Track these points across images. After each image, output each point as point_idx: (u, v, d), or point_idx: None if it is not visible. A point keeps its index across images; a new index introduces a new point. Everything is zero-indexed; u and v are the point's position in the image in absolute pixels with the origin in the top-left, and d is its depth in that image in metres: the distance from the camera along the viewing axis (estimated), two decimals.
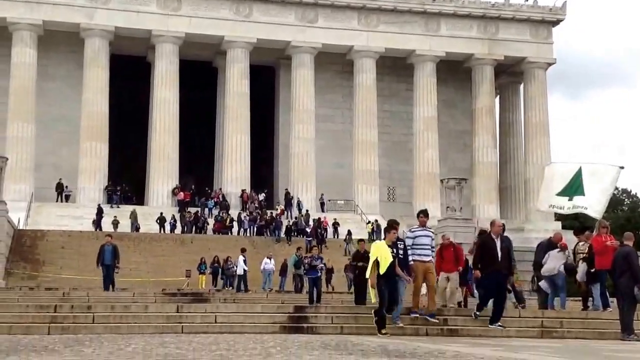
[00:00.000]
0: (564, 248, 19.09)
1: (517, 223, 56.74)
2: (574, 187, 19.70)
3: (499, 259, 15.49)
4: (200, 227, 48.74)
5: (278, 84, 61.84)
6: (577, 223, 46.55)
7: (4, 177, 38.24)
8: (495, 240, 15.63)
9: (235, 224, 49.21)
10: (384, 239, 15.45)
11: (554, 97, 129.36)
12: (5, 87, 53.48)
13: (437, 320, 15.49)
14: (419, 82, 59.27)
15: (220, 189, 55.25)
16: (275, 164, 61.28)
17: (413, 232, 16.37)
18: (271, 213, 51.12)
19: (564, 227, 49.46)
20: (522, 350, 11.47)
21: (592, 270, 18.27)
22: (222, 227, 48.90)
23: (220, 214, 50.26)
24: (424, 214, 16.61)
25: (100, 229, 45.21)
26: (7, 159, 39.56)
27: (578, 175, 19.70)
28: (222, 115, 57.72)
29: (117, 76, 56.08)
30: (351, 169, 57.53)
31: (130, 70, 58.96)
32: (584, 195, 19.54)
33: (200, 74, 61.67)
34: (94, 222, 46.99)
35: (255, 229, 49.13)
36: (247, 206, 52.22)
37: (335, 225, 50.08)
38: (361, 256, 20.09)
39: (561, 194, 19.96)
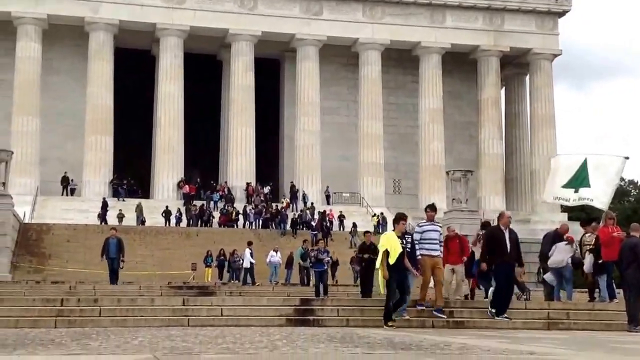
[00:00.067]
0: (571, 241, 19.08)
1: (523, 215, 56.62)
2: (579, 179, 19.67)
3: (508, 251, 15.49)
4: (206, 220, 48.77)
5: (283, 77, 61.75)
6: (584, 214, 46.47)
7: (10, 171, 38.28)
8: (504, 231, 15.63)
9: (240, 217, 49.25)
10: (394, 230, 15.40)
11: (559, 88, 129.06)
12: (10, 81, 53.52)
13: (444, 316, 15.47)
14: (425, 74, 59.10)
15: (226, 182, 55.26)
16: (281, 156, 61.24)
17: (421, 226, 16.31)
18: (276, 206, 51.14)
19: (570, 219, 49.39)
20: (528, 342, 11.45)
21: (599, 262, 18.26)
22: (228, 220, 48.92)
23: (226, 207, 50.28)
24: (431, 208, 16.54)
25: (106, 223, 45.28)
26: (12, 152, 39.70)
27: (583, 167, 19.66)
28: (227, 108, 57.67)
29: (121, 70, 56.03)
30: (356, 162, 57.46)
31: (134, 64, 58.86)
32: (589, 186, 19.51)
33: (205, 67, 61.57)
34: (99, 215, 47.07)
35: (260, 222, 49.13)
36: (253, 199, 52.22)
37: (341, 217, 50.07)
38: (367, 248, 20.09)
39: (567, 185, 19.93)
